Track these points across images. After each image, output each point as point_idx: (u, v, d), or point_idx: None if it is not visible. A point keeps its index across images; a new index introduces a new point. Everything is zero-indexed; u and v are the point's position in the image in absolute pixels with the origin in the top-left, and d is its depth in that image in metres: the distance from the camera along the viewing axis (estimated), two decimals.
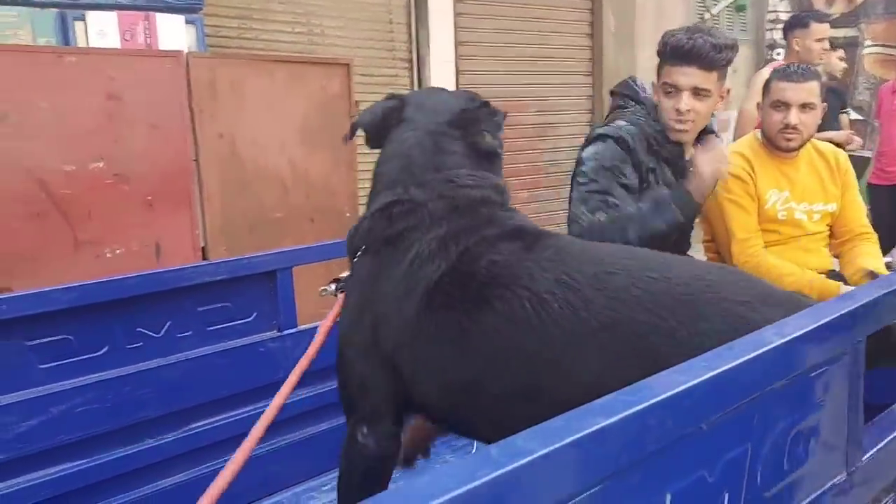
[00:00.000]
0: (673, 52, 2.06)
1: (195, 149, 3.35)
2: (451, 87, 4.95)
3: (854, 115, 6.94)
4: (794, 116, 2.39)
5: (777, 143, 2.46)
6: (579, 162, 2.07)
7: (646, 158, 2.05)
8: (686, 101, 2.03)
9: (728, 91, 2.17)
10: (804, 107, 2.41)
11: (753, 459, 0.82)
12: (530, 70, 5.39)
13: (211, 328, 1.67)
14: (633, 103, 2.15)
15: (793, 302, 1.11)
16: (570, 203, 2.08)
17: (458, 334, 1.19)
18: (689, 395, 0.73)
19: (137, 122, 3.16)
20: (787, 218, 2.51)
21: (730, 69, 2.14)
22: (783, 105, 2.41)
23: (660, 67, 2.14)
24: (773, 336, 0.83)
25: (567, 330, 1.10)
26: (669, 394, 0.71)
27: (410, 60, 4.76)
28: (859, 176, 3.70)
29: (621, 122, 2.09)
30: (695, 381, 0.73)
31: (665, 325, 1.05)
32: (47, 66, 2.92)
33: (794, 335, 0.86)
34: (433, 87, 1.78)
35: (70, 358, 1.48)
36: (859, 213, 2.61)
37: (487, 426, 1.22)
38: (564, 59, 5.59)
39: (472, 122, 1.49)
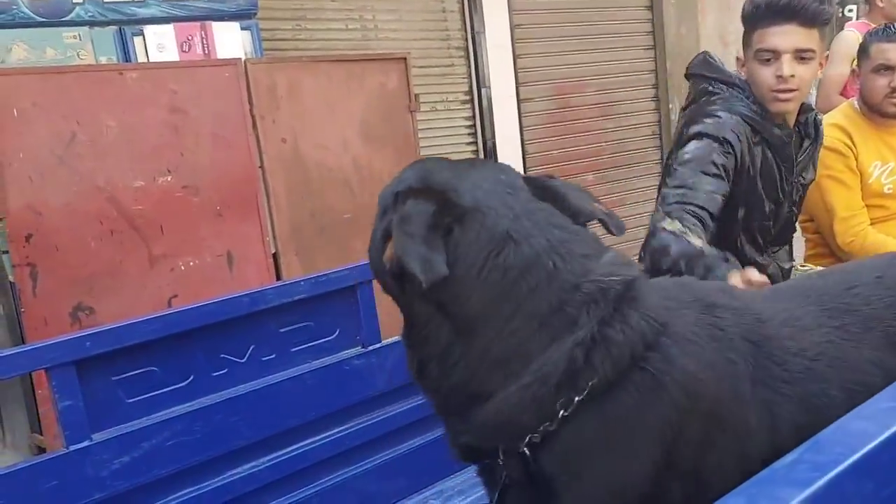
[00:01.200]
0: (769, 10, 1.77)
1: (259, 155, 3.33)
2: (511, 71, 4.83)
3: None
4: None
5: (885, 110, 2.29)
6: (674, 160, 1.83)
7: (747, 151, 1.81)
8: (788, 65, 1.75)
9: (827, 56, 1.92)
10: None
11: None
12: (589, 48, 5.22)
13: (295, 349, 1.62)
14: (725, 86, 1.89)
15: None
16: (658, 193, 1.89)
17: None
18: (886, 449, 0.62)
19: (201, 133, 3.15)
20: (894, 191, 2.34)
21: None
22: (887, 68, 2.23)
23: (748, 35, 1.86)
24: None
25: None
26: (864, 451, 0.60)
27: (466, 49, 4.66)
28: None
29: (724, 116, 1.81)
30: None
31: None
32: (110, 83, 2.93)
33: None
34: (457, 162, 1.14)
35: (157, 390, 1.45)
36: None
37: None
38: (623, 33, 5.39)
39: (554, 190, 1.05)
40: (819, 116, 2.05)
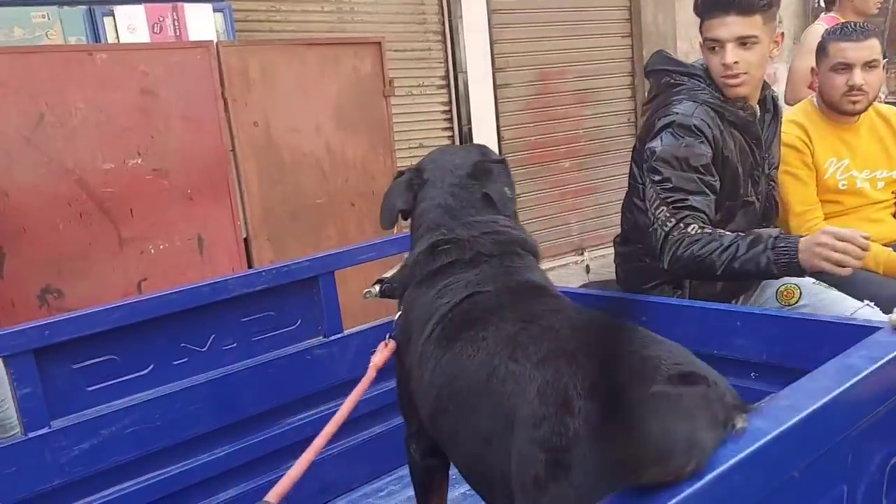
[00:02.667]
0: (707, 4, 1.93)
1: (231, 139, 3.32)
2: (487, 56, 4.83)
3: None
4: (858, 77, 2.25)
5: (842, 108, 2.32)
6: (650, 154, 1.90)
7: (718, 135, 1.90)
8: (732, 53, 1.87)
9: (782, 35, 2.01)
10: (867, 65, 2.27)
11: (850, 500, 0.75)
12: (566, 35, 5.22)
13: (256, 338, 1.64)
14: (685, 77, 1.98)
15: None
16: (643, 197, 1.95)
17: (432, 366, 1.25)
18: (776, 444, 0.66)
19: (172, 116, 3.13)
20: (849, 187, 2.38)
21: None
22: (845, 66, 2.26)
23: (700, 25, 1.99)
24: (863, 363, 0.75)
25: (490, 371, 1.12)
26: (755, 446, 0.64)
27: (443, 33, 4.65)
28: None
29: (688, 104, 1.90)
30: (782, 429, 0.66)
31: None
32: (79, 64, 2.90)
33: (887, 359, 0.78)
34: (444, 147, 1.83)
35: (116, 378, 1.46)
36: None
37: (461, 468, 1.26)
38: (601, 20, 5.40)
39: (487, 173, 1.53)
40: (774, 93, 2.14)
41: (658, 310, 1.79)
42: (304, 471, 1.14)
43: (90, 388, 1.44)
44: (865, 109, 2.35)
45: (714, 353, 1.72)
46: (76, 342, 1.41)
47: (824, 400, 0.70)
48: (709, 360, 1.73)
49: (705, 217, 1.80)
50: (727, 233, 1.77)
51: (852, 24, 2.36)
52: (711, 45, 1.93)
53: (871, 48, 2.27)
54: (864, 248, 1.64)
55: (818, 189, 2.37)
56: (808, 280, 2.02)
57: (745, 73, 1.91)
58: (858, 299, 1.97)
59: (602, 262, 5.22)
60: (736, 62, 1.88)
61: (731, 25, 1.87)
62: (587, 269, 5.22)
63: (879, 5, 3.62)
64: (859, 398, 0.72)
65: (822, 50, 2.35)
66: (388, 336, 1.45)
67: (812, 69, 2.46)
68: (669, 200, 1.81)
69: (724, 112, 1.93)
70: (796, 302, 2.03)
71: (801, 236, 1.73)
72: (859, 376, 0.72)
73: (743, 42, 1.88)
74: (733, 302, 2.12)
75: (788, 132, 2.33)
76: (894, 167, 2.42)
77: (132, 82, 3.02)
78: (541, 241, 5.55)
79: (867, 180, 2.41)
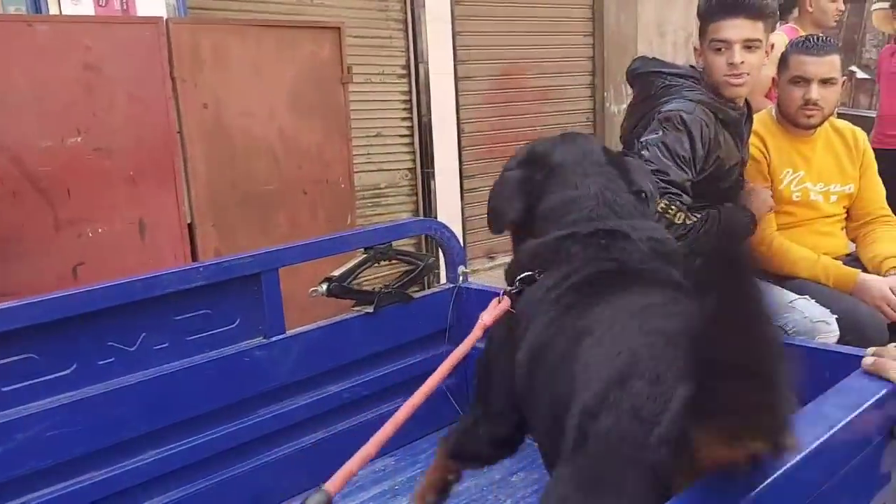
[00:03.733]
0: (720, 5, 2.04)
1: (179, 120, 3.18)
2: (449, 48, 4.76)
3: (861, 74, 6.73)
4: (815, 91, 2.26)
5: (797, 121, 2.32)
6: (643, 144, 2.02)
7: (716, 136, 2.04)
8: (739, 53, 2.01)
9: (772, 46, 2.16)
10: (825, 82, 2.27)
11: None
12: (529, 30, 5.17)
13: (190, 338, 1.55)
14: (680, 79, 2.09)
15: None
16: None
17: (544, 321, 1.20)
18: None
19: (117, 94, 2.99)
20: (802, 199, 2.39)
21: None
22: (803, 80, 2.26)
23: (704, 27, 2.10)
24: (837, 412, 0.70)
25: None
26: None
27: (405, 21, 4.56)
28: None
29: (685, 102, 2.03)
30: (759, 488, 0.61)
31: None
32: (18, 35, 2.74)
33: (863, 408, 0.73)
34: (548, 138, 1.60)
35: (35, 378, 1.36)
36: (879, 195, 2.48)
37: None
38: (564, 18, 5.37)
39: (628, 166, 1.43)
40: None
41: None
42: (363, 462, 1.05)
43: (5, 389, 1.33)
44: (820, 124, 2.36)
45: None
46: None
47: (799, 458, 0.64)
48: None
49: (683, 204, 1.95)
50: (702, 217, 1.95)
51: (815, 37, 2.36)
52: (718, 45, 2.04)
53: (831, 64, 2.27)
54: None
55: (773, 199, 2.37)
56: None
57: (748, 74, 2.06)
58: None
59: None
60: (742, 62, 2.02)
61: (740, 28, 2.02)
62: None
63: (838, 17, 3.64)
64: (834, 452, 0.68)
65: (783, 61, 2.35)
66: (501, 293, 1.36)
67: (773, 79, 2.45)
68: (665, 192, 1.94)
69: (717, 112, 2.06)
70: None
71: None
72: (836, 428, 0.67)
73: (748, 45, 2.03)
74: None
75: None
76: (847, 182, 2.43)
77: (75, 57, 2.87)
78: (497, 236, 5.53)
79: (821, 193, 2.41)
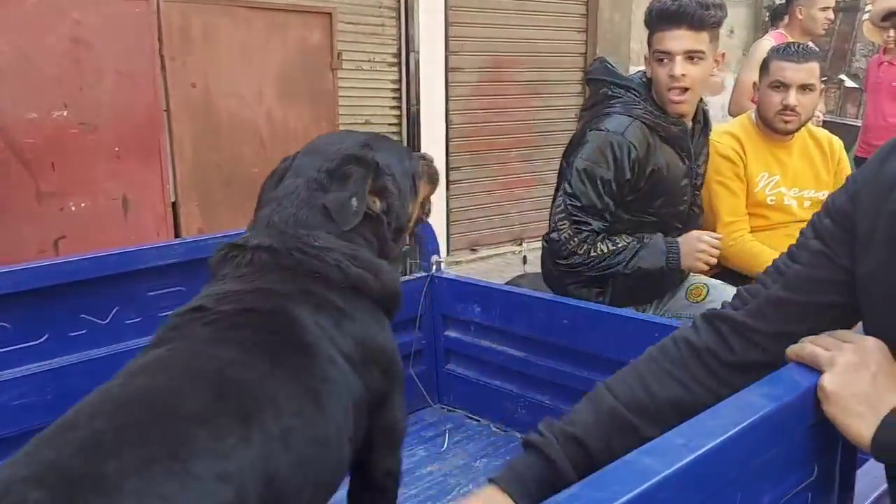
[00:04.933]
0: (660, 17, 1.98)
1: (166, 98, 3.20)
2: (441, 38, 4.76)
3: (850, 83, 6.79)
4: (792, 97, 2.29)
5: (774, 125, 2.36)
6: (569, 164, 1.99)
7: (645, 152, 1.96)
8: (680, 65, 1.93)
9: (723, 55, 2.09)
10: (803, 88, 2.30)
11: None
12: (522, 24, 5.19)
13: (164, 314, 1.55)
14: (622, 90, 2.02)
15: None
16: (553, 204, 2.03)
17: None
18: (668, 484, 0.64)
19: (104, 69, 3.00)
20: (776, 203, 2.43)
21: (725, 31, 2.10)
22: (782, 86, 2.30)
23: (649, 37, 2.04)
24: (763, 401, 0.74)
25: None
26: (647, 485, 0.62)
27: (398, 9, 4.56)
28: (849, 146, 3.59)
29: (621, 119, 1.97)
30: (675, 468, 0.64)
31: None
32: (6, 5, 2.74)
33: (788, 399, 0.77)
34: (343, 132, 1.54)
35: (5, 347, 1.38)
36: None
37: None
38: (557, 13, 5.39)
39: (345, 178, 1.22)
40: (705, 106, 2.21)
41: (579, 314, 1.79)
42: None
43: None
44: (797, 130, 2.39)
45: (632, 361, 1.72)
46: None
47: (720, 439, 0.68)
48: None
49: (603, 237, 1.97)
50: (625, 245, 1.96)
51: (796, 44, 2.39)
52: (660, 56, 1.97)
53: (810, 71, 2.31)
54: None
55: (748, 201, 2.41)
56: (716, 280, 2.21)
57: (689, 88, 1.98)
58: None
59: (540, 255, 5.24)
60: (683, 74, 1.94)
61: (681, 39, 1.94)
62: (524, 260, 5.23)
63: (827, 26, 3.69)
64: (756, 438, 0.71)
65: (764, 66, 2.38)
66: None
67: (754, 83, 2.48)
68: (574, 219, 1.94)
69: (657, 127, 1.99)
70: (703, 299, 2.13)
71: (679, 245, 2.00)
72: (758, 416, 0.71)
73: (690, 56, 1.95)
74: (654, 303, 2.20)
75: (724, 143, 2.36)
76: (822, 188, 2.47)
77: (63, 29, 2.87)
78: (480, 228, 5.59)
79: (795, 198, 2.45)
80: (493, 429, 1.95)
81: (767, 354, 0.95)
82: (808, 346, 0.86)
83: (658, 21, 1.98)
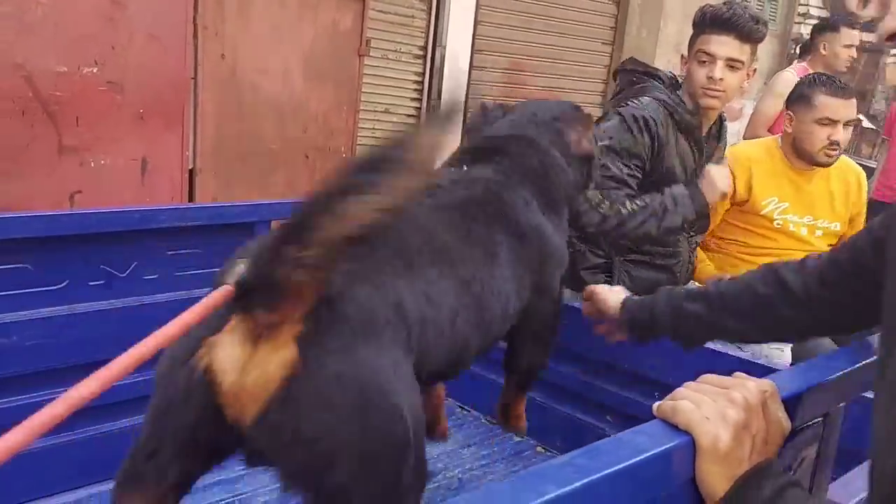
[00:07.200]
0: (712, 20, 2.08)
1: (194, 66, 3.24)
2: (469, 36, 4.80)
3: (867, 124, 6.82)
4: (840, 133, 2.33)
5: (818, 160, 2.39)
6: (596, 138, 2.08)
7: (665, 133, 2.08)
8: (720, 69, 2.05)
9: (754, 71, 2.19)
10: (848, 123, 2.35)
11: None
12: (550, 30, 5.23)
13: (179, 273, 1.61)
14: (648, 78, 2.16)
15: None
16: None
17: None
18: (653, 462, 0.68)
19: (137, 31, 3.03)
20: (783, 227, 2.46)
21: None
22: (830, 122, 2.33)
23: (694, 38, 2.15)
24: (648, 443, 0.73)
25: None
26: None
27: (429, 3, 4.60)
28: None
29: (645, 99, 2.10)
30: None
31: None
32: None
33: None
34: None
35: (26, 288, 1.42)
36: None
37: None
38: (586, 23, 5.43)
39: (573, 119, 1.49)
40: (723, 114, 2.30)
41: (580, 318, 1.83)
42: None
43: None
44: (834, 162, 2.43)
45: (625, 367, 1.77)
46: None
47: (603, 473, 0.67)
48: (619, 373, 1.79)
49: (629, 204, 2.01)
50: (649, 201, 1.99)
51: (838, 80, 2.41)
52: (703, 58, 2.08)
53: (854, 107, 2.37)
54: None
55: (753, 221, 2.48)
56: None
57: (724, 92, 2.10)
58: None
59: None
60: (721, 79, 2.06)
61: (726, 45, 2.05)
62: None
63: (849, 64, 3.72)
64: (641, 478, 0.71)
65: (806, 100, 2.39)
66: None
67: (785, 113, 2.50)
68: (605, 184, 2.00)
69: (674, 114, 2.11)
70: None
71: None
72: (639, 458, 0.71)
73: (731, 64, 2.06)
74: None
75: (741, 151, 2.51)
76: (835, 219, 2.51)
77: None
78: None
79: (806, 226, 2.48)
80: (484, 420, 2.00)
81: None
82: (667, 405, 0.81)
83: (710, 24, 2.07)
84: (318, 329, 0.85)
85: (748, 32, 2.04)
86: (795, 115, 2.42)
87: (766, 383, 0.84)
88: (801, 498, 0.76)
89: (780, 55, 6.64)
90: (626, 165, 2.01)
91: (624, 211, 1.96)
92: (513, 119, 1.48)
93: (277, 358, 0.84)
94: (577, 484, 0.63)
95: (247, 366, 0.84)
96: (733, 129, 5.39)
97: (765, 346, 2.07)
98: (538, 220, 1.33)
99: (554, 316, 1.45)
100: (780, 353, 2.07)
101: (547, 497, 0.60)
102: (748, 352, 2.04)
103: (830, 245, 2.55)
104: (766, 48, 6.45)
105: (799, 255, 2.41)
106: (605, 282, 2.15)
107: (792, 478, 0.79)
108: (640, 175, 2.04)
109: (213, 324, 0.87)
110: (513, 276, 1.24)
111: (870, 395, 1.20)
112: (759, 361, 1.46)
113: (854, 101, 2.37)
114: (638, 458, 0.68)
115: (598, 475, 0.65)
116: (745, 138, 3.62)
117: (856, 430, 1.20)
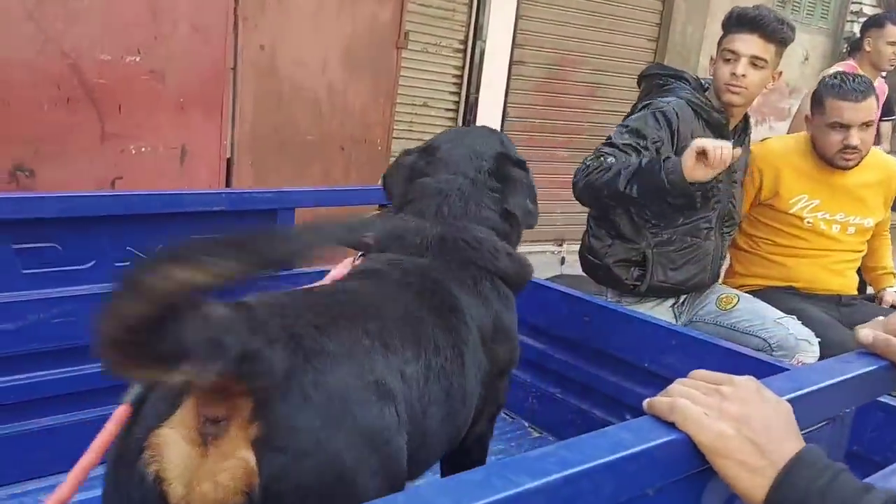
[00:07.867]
0: (738, 20, 2.15)
1: (234, 57, 3.29)
2: (510, 30, 4.78)
3: None
4: (855, 137, 2.26)
5: (835, 164, 2.34)
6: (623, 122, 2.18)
7: (687, 130, 2.12)
8: (743, 66, 2.11)
9: (780, 73, 2.24)
10: (864, 125, 2.27)
11: None
12: (593, 25, 5.17)
13: None
14: (673, 80, 2.22)
15: None
16: None
17: None
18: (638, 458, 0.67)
19: (180, 21, 3.10)
20: (814, 226, 2.41)
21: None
22: (842, 126, 2.27)
23: (723, 37, 2.21)
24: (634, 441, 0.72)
25: None
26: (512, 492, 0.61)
27: None
28: None
29: (670, 98, 2.16)
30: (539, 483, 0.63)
31: None
32: None
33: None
34: (460, 129, 1.73)
35: (55, 267, 1.47)
36: (887, 220, 2.59)
37: None
38: (631, 19, 5.35)
39: (509, 179, 1.45)
40: (748, 114, 2.35)
41: (602, 314, 1.82)
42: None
43: (25, 271, 1.44)
44: (857, 164, 2.36)
45: (645, 366, 1.75)
46: (21, 223, 1.41)
47: (583, 467, 0.66)
48: (640, 372, 1.78)
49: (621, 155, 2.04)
50: (629, 158, 2.00)
51: (851, 79, 2.32)
52: (728, 55, 2.15)
53: (869, 109, 2.28)
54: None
55: (781, 220, 2.44)
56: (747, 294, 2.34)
57: (745, 89, 2.14)
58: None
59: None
60: (744, 76, 2.12)
61: (750, 43, 2.12)
62: (562, 261, 5.24)
63: (894, 63, 3.60)
64: (628, 473, 0.70)
65: (818, 102, 2.33)
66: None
67: (806, 116, 2.45)
68: (598, 151, 2.07)
69: (701, 111, 2.16)
70: (733, 307, 2.22)
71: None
72: (624, 453, 0.70)
73: (755, 61, 2.12)
74: (681, 299, 2.31)
75: (771, 145, 2.51)
76: (868, 215, 2.44)
77: None
78: None
79: (839, 223, 2.42)
80: (503, 415, 2.00)
81: None
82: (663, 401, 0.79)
83: (736, 23, 2.15)
84: (273, 424, 0.82)
85: (772, 32, 2.10)
86: (812, 117, 2.39)
87: (751, 378, 0.82)
88: (851, 484, 0.74)
89: (832, 54, 6.46)
90: (625, 136, 2.07)
91: (603, 161, 2.00)
92: (439, 186, 1.40)
93: (231, 466, 0.80)
94: (555, 476, 0.62)
95: (198, 473, 0.81)
96: (781, 128, 5.28)
97: (793, 337, 2.04)
98: (494, 307, 1.30)
99: (506, 393, 1.41)
100: (808, 346, 2.04)
101: (521, 488, 0.60)
102: (775, 341, 2.01)
103: (862, 242, 2.49)
104: (818, 48, 6.29)
105: (830, 256, 2.41)
106: (639, 276, 2.20)
107: (841, 465, 0.76)
108: (637, 149, 2.05)
109: (160, 408, 0.85)
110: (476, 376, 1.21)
111: (885, 399, 1.17)
112: (774, 363, 1.43)
113: (870, 102, 2.28)
114: (619, 455, 0.68)
115: (576, 469, 0.64)
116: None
117: (867, 434, 1.17)
